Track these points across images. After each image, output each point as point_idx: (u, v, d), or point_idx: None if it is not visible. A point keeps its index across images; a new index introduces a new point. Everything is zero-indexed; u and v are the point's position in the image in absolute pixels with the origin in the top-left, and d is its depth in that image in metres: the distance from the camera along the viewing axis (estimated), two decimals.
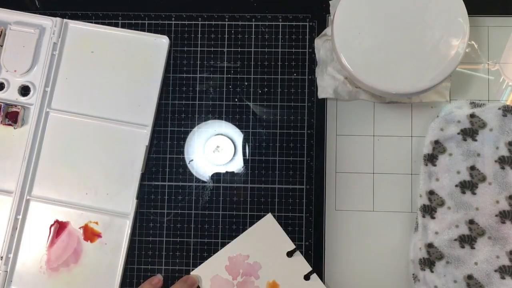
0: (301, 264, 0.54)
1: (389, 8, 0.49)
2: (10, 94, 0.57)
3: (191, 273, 0.54)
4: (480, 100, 0.55)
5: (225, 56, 0.57)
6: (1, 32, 0.56)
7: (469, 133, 0.53)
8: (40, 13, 0.57)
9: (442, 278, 0.52)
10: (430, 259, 0.53)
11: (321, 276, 0.54)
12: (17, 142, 0.56)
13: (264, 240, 0.54)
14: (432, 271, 0.52)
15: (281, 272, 0.54)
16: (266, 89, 0.57)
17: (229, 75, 0.57)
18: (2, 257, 0.55)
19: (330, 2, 0.56)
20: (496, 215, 0.52)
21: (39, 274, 0.55)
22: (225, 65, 0.57)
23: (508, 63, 0.56)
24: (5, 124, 0.55)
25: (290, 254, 0.54)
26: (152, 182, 0.56)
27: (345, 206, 0.55)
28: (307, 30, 0.57)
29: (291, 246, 0.54)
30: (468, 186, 0.53)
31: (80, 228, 0.55)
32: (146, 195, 0.56)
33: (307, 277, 0.54)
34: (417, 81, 0.48)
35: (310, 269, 0.54)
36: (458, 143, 0.53)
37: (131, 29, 0.57)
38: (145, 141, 0.56)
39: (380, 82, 0.49)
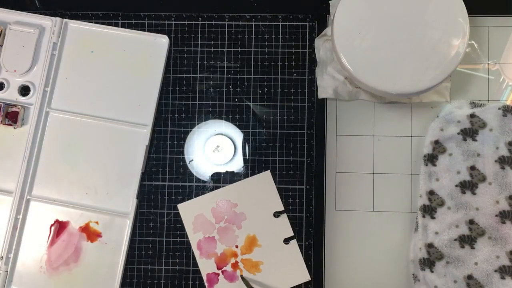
0: (285, 227, 0.55)
1: (389, 8, 0.49)
2: (10, 94, 0.57)
3: (178, 205, 0.55)
4: (480, 100, 0.55)
5: (225, 56, 0.57)
6: (1, 32, 0.56)
7: (469, 133, 0.53)
8: (40, 13, 0.57)
9: (442, 278, 0.52)
10: (430, 259, 0.53)
11: (321, 276, 0.55)
12: (17, 142, 0.56)
13: (256, 195, 0.55)
14: (432, 271, 0.52)
15: (264, 229, 0.55)
16: (266, 89, 0.57)
17: (229, 75, 0.57)
18: (2, 257, 0.55)
19: (330, 2, 0.56)
20: (496, 215, 0.52)
21: (39, 274, 0.55)
22: (225, 65, 0.57)
23: (508, 63, 0.56)
24: (5, 124, 0.55)
25: (277, 214, 0.54)
26: (152, 182, 0.56)
27: (345, 206, 0.55)
28: (307, 30, 0.57)
29: (280, 207, 0.55)
30: (468, 186, 0.53)
31: (80, 228, 0.56)
32: (146, 195, 0.56)
33: (286, 241, 0.54)
34: (417, 81, 0.48)
35: (292, 234, 0.54)
36: (458, 143, 0.53)
37: (131, 29, 0.57)
38: (145, 140, 0.56)
39: (380, 82, 0.48)
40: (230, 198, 0.55)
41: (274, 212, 0.55)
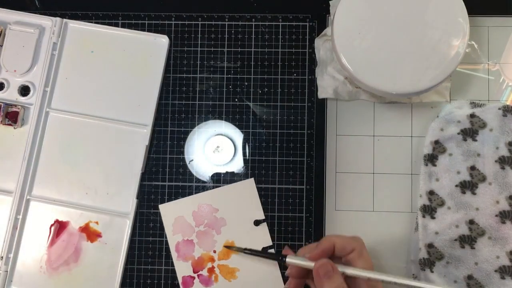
0: (263, 236, 0.54)
1: (389, 8, 0.49)
2: (10, 94, 0.57)
3: (159, 205, 0.55)
4: (480, 100, 0.55)
5: (225, 56, 0.57)
6: (1, 32, 0.56)
7: (469, 133, 0.53)
8: (40, 13, 0.57)
9: (442, 278, 0.52)
10: (430, 259, 0.53)
11: None
12: (17, 142, 0.56)
13: (238, 201, 0.55)
14: (432, 271, 0.52)
15: (243, 236, 0.54)
16: (266, 89, 0.57)
17: (229, 75, 0.57)
18: (2, 257, 0.55)
19: (330, 2, 0.56)
20: (496, 215, 0.52)
21: (39, 274, 0.55)
22: (225, 65, 0.57)
23: (508, 63, 0.56)
24: (5, 124, 0.55)
25: (257, 223, 0.54)
26: (152, 182, 0.56)
27: (345, 206, 0.55)
28: (307, 30, 0.57)
29: (261, 216, 0.55)
30: (468, 186, 0.53)
31: (80, 228, 0.56)
32: (146, 195, 0.56)
33: (265, 250, 0.55)
34: (417, 81, 0.48)
35: (271, 243, 0.54)
36: (458, 143, 0.53)
37: (131, 29, 0.57)
38: (145, 141, 0.56)
39: (380, 82, 0.48)
40: (212, 203, 0.55)
41: (255, 220, 0.55)
